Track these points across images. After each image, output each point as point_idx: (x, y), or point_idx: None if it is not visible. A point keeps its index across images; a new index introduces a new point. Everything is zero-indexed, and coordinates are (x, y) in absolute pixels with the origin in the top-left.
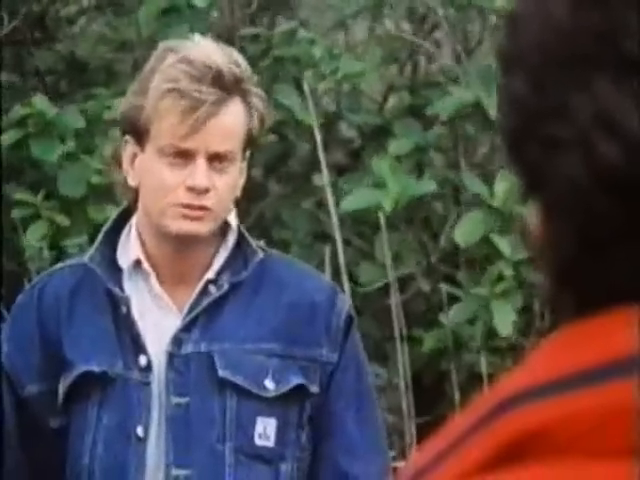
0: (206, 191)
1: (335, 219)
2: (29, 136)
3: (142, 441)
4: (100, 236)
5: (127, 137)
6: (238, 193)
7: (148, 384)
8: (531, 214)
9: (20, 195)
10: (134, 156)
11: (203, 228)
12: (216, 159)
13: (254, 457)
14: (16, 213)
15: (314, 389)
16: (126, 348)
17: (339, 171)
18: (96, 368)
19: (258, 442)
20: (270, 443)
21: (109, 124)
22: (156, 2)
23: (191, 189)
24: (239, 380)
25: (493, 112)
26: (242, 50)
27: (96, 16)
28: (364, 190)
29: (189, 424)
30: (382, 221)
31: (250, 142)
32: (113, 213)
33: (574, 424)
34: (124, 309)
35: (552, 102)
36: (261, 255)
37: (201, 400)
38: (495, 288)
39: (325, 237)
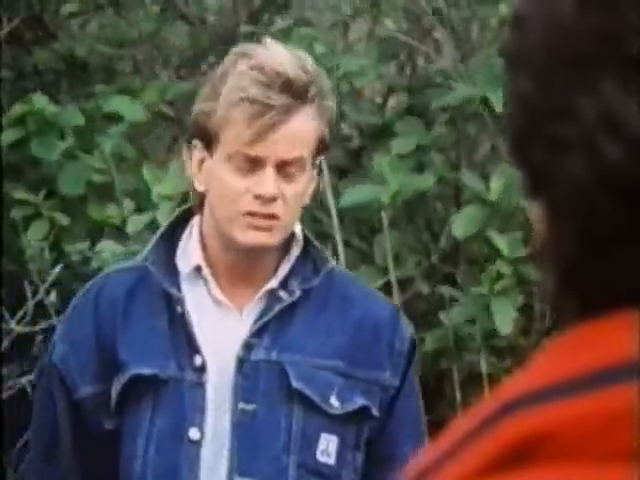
0: (274, 199)
1: (335, 220)
2: (29, 135)
3: (195, 443)
4: (156, 236)
5: (195, 142)
6: (307, 201)
7: (202, 384)
8: (534, 214)
9: (20, 194)
10: (202, 161)
11: (272, 239)
12: (285, 167)
13: (315, 473)
14: (16, 212)
15: (375, 412)
16: (180, 349)
17: (340, 172)
18: (147, 371)
19: (320, 459)
20: (331, 461)
21: (107, 122)
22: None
23: (258, 197)
24: (309, 393)
25: (498, 108)
26: None
27: (95, 14)
28: (363, 186)
29: (255, 432)
30: (385, 222)
31: (322, 147)
32: (169, 214)
33: (576, 428)
34: (179, 309)
35: (557, 102)
36: (332, 263)
37: (268, 408)
38: (494, 287)
39: (326, 237)
